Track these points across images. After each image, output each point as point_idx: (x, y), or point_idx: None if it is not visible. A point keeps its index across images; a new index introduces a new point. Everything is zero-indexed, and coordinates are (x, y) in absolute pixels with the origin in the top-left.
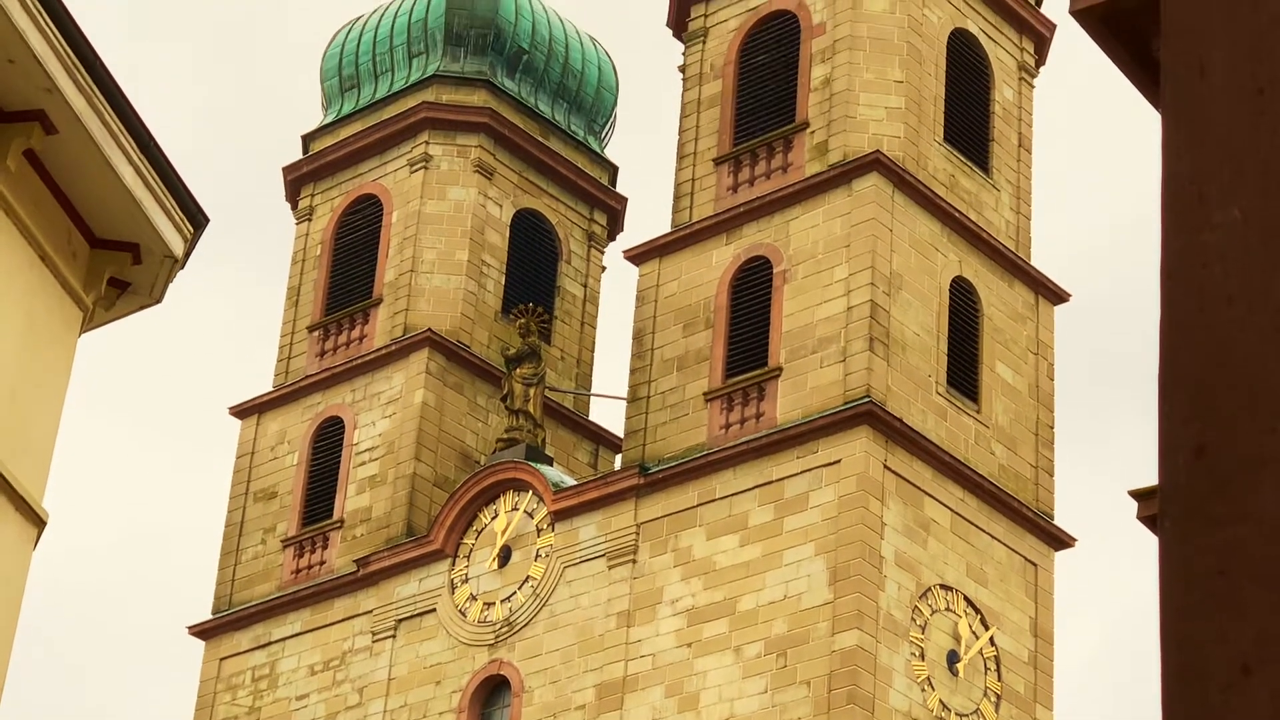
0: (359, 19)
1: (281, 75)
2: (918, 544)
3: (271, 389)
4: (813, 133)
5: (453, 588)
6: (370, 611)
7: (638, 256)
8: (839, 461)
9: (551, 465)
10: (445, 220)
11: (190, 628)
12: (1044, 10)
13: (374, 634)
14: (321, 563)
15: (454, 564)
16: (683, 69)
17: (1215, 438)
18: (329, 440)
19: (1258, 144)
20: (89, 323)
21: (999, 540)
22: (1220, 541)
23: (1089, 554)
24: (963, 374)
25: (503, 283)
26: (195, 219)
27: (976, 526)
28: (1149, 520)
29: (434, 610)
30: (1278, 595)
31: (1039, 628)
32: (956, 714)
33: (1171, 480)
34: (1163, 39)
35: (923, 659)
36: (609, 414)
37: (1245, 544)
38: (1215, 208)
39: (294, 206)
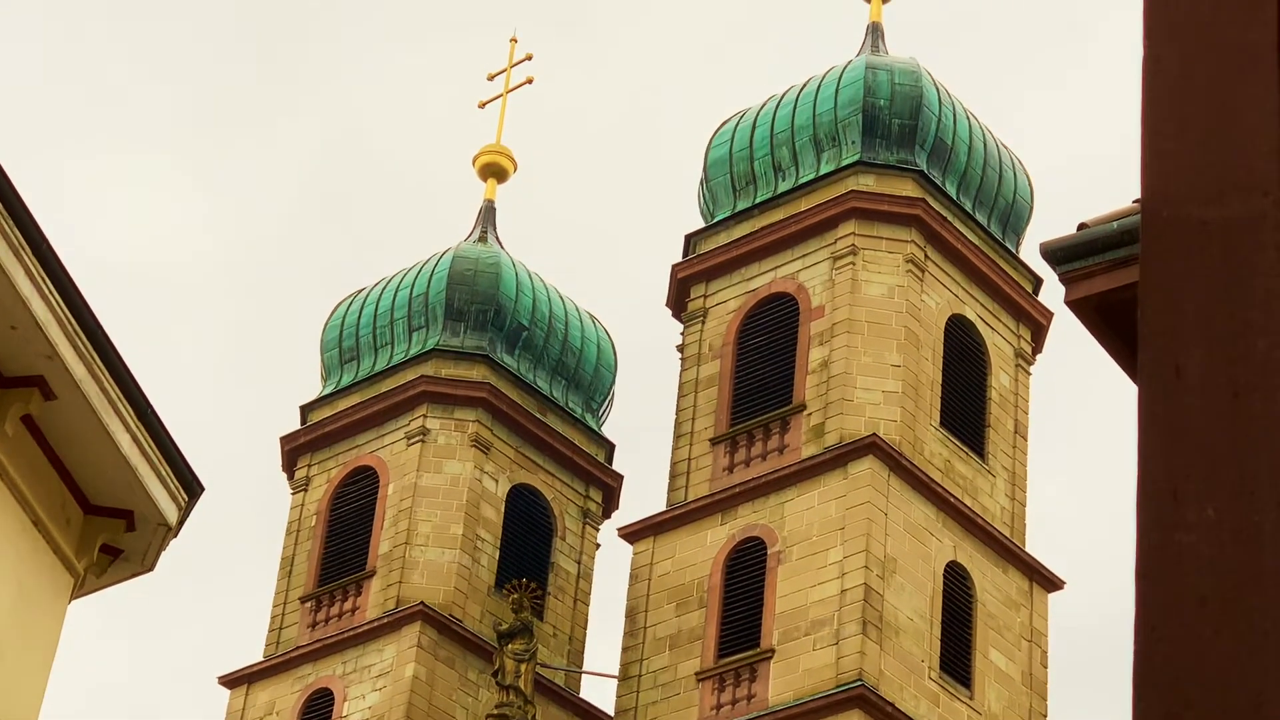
0: (360, 292)
1: (281, 345)
2: None
3: (261, 659)
4: (809, 415)
5: None
6: None
7: (632, 535)
8: None
9: None
10: (441, 493)
11: None
12: (1041, 299)
13: None
14: None
15: None
16: (681, 348)
17: None
18: (318, 712)
19: (1232, 446)
20: (80, 589)
21: None
22: None
23: None
24: (956, 659)
25: (497, 557)
26: (190, 487)
27: None
28: None
29: None
30: None
31: None
32: None
33: None
34: (1140, 340)
35: None
36: (600, 692)
37: None
38: (1190, 508)
39: (290, 476)
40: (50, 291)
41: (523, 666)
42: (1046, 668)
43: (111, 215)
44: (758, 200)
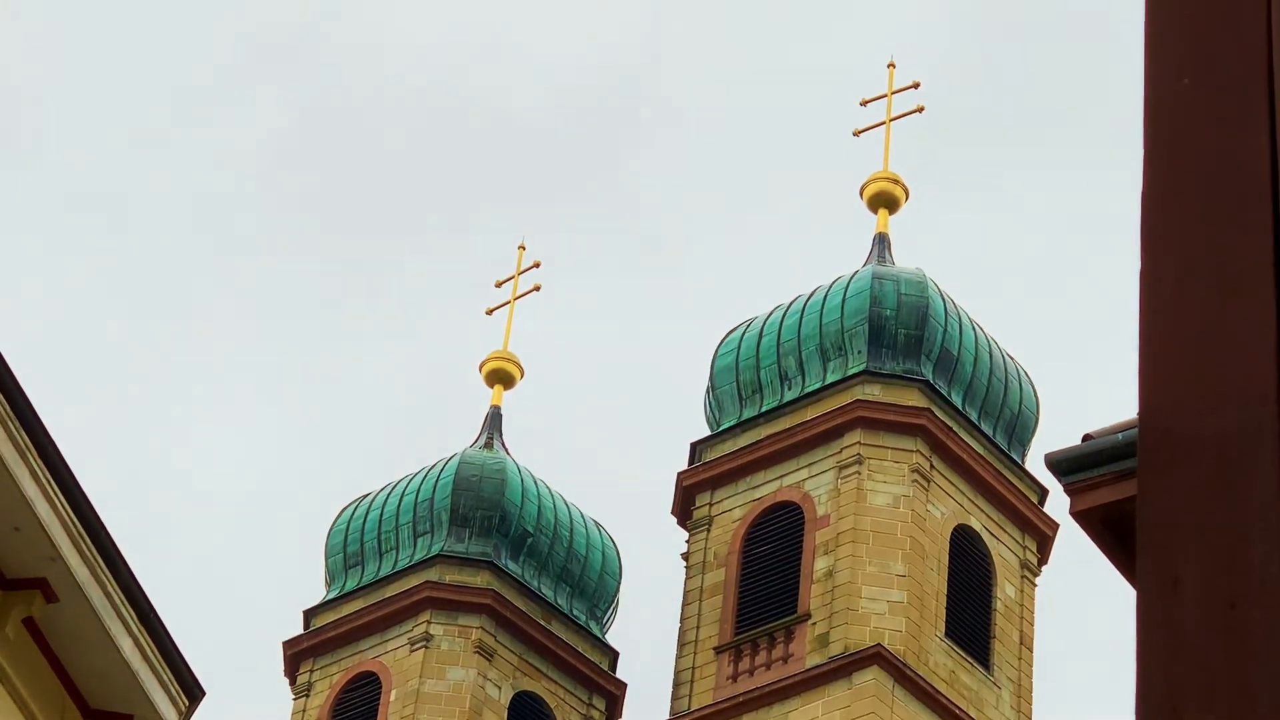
0: (365, 496)
1: (286, 549)
2: None
3: None
4: (814, 624)
5: None
6: None
7: None
8: None
9: None
10: (444, 700)
11: None
12: (1047, 509)
13: None
14: None
15: None
16: (686, 556)
17: None
18: None
19: (1231, 657)
20: None
21: None
22: None
23: None
24: None
25: None
26: (191, 692)
27: None
28: None
29: None
30: None
31: None
32: None
33: None
34: (1138, 550)
35: None
36: None
37: None
38: None
39: (292, 681)
40: (55, 493)
41: None
42: None
43: (120, 430)
44: (764, 409)
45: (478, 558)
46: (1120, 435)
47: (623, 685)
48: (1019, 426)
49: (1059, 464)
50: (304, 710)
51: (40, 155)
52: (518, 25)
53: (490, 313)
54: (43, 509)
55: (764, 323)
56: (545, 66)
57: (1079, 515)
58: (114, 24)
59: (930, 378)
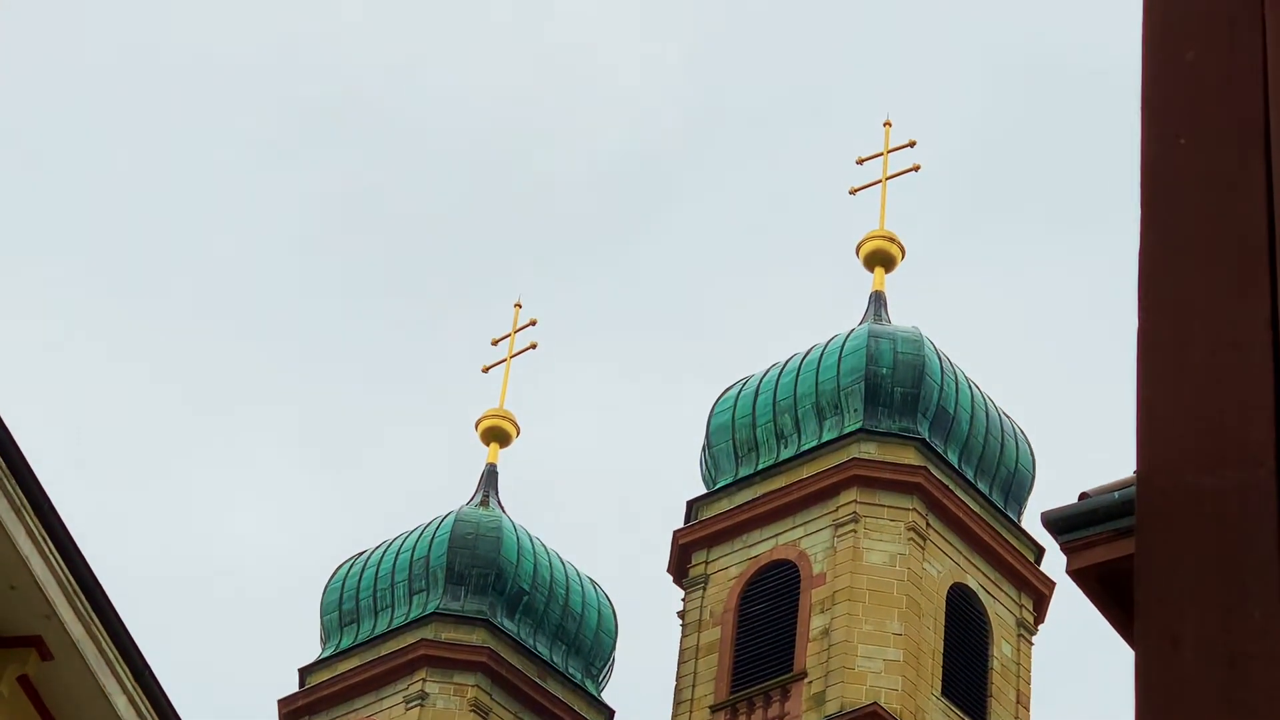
0: (361, 554)
1: (281, 607)
2: None
3: None
4: (810, 683)
5: None
6: None
7: None
8: None
9: None
10: None
11: None
12: (1044, 568)
13: None
14: None
15: None
16: (681, 615)
17: None
18: None
19: (1230, 715)
20: None
21: None
22: None
23: None
24: None
25: None
26: None
27: None
28: None
29: None
30: None
31: None
32: None
33: None
34: (1136, 608)
35: None
36: None
37: None
38: None
39: None
40: (50, 551)
41: None
42: None
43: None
44: (760, 467)
45: (473, 616)
46: (1117, 494)
47: None
48: (1015, 485)
49: (1055, 522)
50: None
51: (78, 232)
52: (519, 94)
53: (486, 370)
54: (38, 567)
55: (760, 381)
56: (545, 132)
57: (1076, 574)
58: (151, 107)
59: (926, 436)
